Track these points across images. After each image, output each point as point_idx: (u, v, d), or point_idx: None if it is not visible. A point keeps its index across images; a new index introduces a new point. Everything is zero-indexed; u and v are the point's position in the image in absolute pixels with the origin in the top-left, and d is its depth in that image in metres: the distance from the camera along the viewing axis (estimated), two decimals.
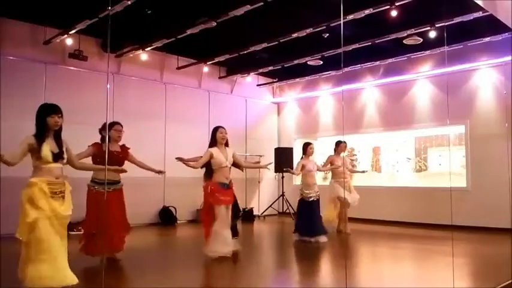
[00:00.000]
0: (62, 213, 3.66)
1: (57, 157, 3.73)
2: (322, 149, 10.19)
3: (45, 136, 3.72)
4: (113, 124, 5.31)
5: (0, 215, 6.14)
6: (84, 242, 5.08)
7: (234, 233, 6.11)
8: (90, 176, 5.16)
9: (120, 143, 5.39)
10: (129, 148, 5.38)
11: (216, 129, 5.56)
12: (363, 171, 8.55)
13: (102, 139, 5.18)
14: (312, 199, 6.94)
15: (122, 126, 5.35)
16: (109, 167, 4.70)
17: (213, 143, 5.52)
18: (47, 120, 3.73)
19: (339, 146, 7.84)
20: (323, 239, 6.76)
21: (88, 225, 5.10)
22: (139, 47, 8.16)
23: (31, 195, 3.57)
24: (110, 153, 5.04)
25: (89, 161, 5.03)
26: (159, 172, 5.39)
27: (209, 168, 5.52)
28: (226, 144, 5.59)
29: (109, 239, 5.02)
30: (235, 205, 6.22)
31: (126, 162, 5.33)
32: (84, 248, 5.04)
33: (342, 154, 7.89)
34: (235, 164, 5.84)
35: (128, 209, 7.88)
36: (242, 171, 6.42)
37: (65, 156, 3.83)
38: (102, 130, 5.22)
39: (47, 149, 3.68)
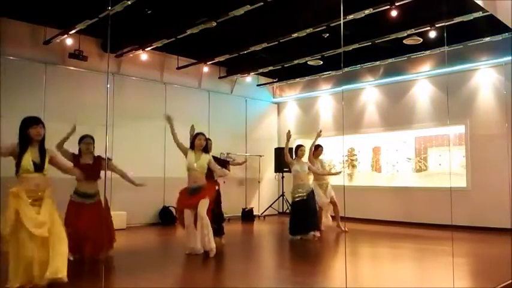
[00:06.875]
0: (39, 219, 3.79)
1: (38, 168, 3.88)
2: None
3: (27, 147, 3.89)
4: (83, 137, 5.36)
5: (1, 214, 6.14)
6: None
7: (219, 232, 6.43)
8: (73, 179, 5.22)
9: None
10: (103, 159, 5.28)
11: (196, 135, 5.89)
12: (337, 173, 8.67)
13: (79, 151, 5.31)
14: (298, 199, 7.17)
15: (92, 139, 5.38)
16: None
17: (191, 146, 5.86)
18: (29, 131, 3.91)
19: (317, 149, 8.03)
20: (311, 234, 7.01)
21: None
22: (139, 47, 8.16)
23: (13, 204, 3.76)
24: (81, 166, 5.08)
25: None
26: (139, 185, 5.43)
27: None
28: (205, 150, 5.89)
29: (82, 248, 5.07)
30: (218, 208, 6.39)
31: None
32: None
33: (320, 157, 8.17)
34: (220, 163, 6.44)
35: (128, 209, 8.00)
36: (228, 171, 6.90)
37: (46, 167, 3.97)
38: (79, 143, 5.33)
39: (29, 159, 3.85)
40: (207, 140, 6.10)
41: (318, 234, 7.14)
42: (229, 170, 7.00)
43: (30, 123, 3.96)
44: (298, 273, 5.16)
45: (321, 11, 6.69)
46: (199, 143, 5.80)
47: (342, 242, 7.27)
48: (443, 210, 6.87)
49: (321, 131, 7.74)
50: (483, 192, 7.96)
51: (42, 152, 3.98)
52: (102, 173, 5.33)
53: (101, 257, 5.16)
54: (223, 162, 6.83)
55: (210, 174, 6.04)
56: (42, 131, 3.98)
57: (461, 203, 7.75)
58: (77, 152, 5.33)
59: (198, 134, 5.90)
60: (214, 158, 6.49)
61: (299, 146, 7.52)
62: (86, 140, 5.33)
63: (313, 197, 7.27)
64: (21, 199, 3.77)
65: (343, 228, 7.88)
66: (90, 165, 5.24)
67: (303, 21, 7.12)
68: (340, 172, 8.46)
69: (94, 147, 5.37)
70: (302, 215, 7.08)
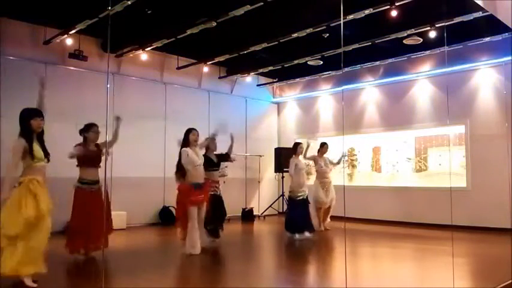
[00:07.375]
0: (44, 209, 3.94)
1: (47, 155, 4.07)
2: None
3: (33, 137, 4.01)
4: (91, 126, 5.45)
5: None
6: (68, 239, 5.23)
7: (215, 234, 6.47)
8: (74, 177, 5.35)
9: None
10: (101, 145, 5.49)
11: (189, 131, 5.82)
12: (341, 158, 8.74)
13: (84, 140, 5.40)
14: (300, 197, 7.15)
15: (98, 127, 5.49)
16: None
17: (186, 144, 5.76)
18: (31, 123, 4.01)
19: (323, 147, 8.10)
20: (307, 235, 7.05)
21: (72, 223, 5.26)
22: (139, 47, 8.15)
23: (24, 194, 3.84)
24: (88, 153, 5.29)
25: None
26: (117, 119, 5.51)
27: (182, 169, 5.72)
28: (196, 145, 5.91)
29: (88, 236, 5.16)
30: (220, 207, 6.37)
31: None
32: (69, 245, 5.18)
33: (324, 154, 8.20)
34: (223, 157, 6.55)
35: (128, 209, 8.00)
36: (231, 161, 6.88)
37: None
38: (84, 132, 5.43)
39: (39, 148, 4.00)
40: (213, 139, 6.14)
41: (311, 235, 7.12)
42: (231, 161, 6.96)
43: (31, 115, 4.06)
44: (298, 273, 5.17)
45: (321, 11, 6.69)
46: (193, 138, 5.79)
47: (342, 242, 7.26)
48: (443, 210, 6.88)
49: (309, 144, 7.83)
50: (483, 192, 7.96)
51: (42, 141, 4.12)
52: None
53: (102, 247, 5.23)
54: (224, 156, 6.78)
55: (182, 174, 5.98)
56: (43, 123, 4.11)
57: (461, 203, 7.76)
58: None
59: (190, 129, 5.85)
60: (216, 154, 6.53)
61: (297, 144, 7.49)
62: (95, 129, 5.45)
63: (307, 198, 7.31)
64: (31, 190, 3.85)
65: (322, 229, 7.89)
66: (95, 152, 5.39)
67: (303, 21, 7.11)
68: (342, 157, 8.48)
69: None
70: (301, 215, 7.08)
